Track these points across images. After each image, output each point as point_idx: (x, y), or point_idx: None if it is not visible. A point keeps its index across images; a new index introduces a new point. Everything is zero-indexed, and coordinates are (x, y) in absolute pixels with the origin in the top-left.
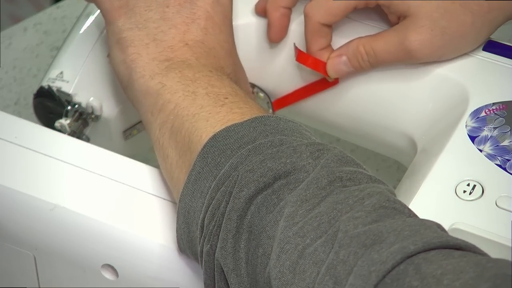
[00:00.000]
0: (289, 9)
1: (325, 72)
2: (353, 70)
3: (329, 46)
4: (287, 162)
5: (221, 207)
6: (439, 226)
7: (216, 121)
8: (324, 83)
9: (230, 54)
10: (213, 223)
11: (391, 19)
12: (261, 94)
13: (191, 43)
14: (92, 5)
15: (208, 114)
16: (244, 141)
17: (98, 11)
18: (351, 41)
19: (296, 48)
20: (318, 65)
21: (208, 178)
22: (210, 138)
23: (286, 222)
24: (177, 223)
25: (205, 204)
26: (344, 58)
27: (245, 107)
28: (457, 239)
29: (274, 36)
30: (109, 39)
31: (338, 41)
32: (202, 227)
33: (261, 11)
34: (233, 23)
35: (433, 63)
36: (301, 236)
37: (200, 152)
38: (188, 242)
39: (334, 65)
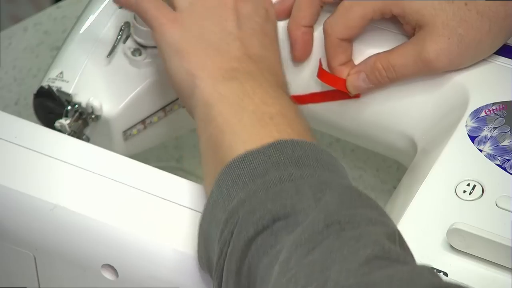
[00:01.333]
0: (311, 27)
1: (345, 89)
2: (372, 86)
3: (350, 61)
4: (287, 204)
5: (226, 245)
6: (431, 272)
7: (252, 142)
8: (345, 94)
9: (284, 71)
10: (221, 261)
11: (407, 29)
12: None
13: (254, 57)
14: (92, 5)
15: (247, 135)
16: (256, 173)
17: (99, 11)
18: (369, 57)
19: (320, 64)
20: (338, 83)
21: (221, 209)
22: (225, 166)
23: (280, 268)
24: (198, 243)
25: (217, 236)
26: (362, 75)
27: (285, 130)
28: (449, 284)
29: (299, 55)
30: (165, 51)
31: (360, 48)
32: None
33: (280, 13)
34: None
35: None
36: (293, 283)
37: (216, 180)
38: (207, 265)
39: (353, 82)
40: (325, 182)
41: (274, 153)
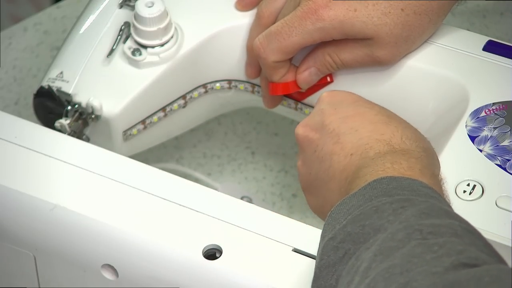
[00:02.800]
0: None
1: (298, 88)
2: (322, 75)
3: (289, 68)
4: (366, 225)
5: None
6: None
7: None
8: (319, 84)
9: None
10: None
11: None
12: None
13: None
14: (92, 5)
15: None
16: (351, 211)
17: (98, 11)
18: (314, 51)
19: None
20: (289, 87)
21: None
22: (329, 213)
23: (359, 277)
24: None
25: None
26: (313, 69)
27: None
28: None
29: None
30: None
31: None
32: None
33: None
34: (233, 23)
35: (433, 63)
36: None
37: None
38: None
39: (305, 79)
40: (408, 200)
41: (368, 191)
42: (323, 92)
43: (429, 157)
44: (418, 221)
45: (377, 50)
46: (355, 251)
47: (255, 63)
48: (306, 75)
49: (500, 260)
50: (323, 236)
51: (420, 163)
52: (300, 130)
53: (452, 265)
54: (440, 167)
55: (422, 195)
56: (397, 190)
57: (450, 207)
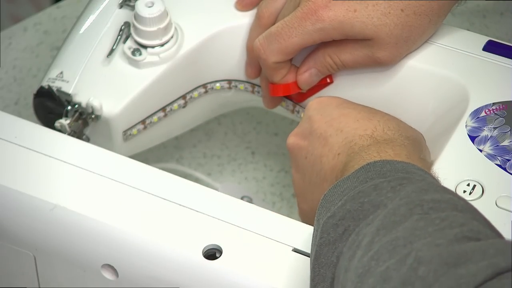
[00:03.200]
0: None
1: (298, 89)
2: (323, 76)
3: (290, 69)
4: (365, 202)
5: (313, 248)
6: None
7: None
8: (319, 85)
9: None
10: (312, 275)
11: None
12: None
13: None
14: (92, 5)
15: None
16: (346, 192)
17: (99, 11)
18: (315, 52)
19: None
20: (290, 88)
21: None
22: (323, 196)
23: (362, 251)
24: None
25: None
26: (314, 71)
27: (387, 152)
28: None
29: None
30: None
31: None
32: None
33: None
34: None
35: (433, 63)
36: (375, 260)
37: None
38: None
39: (306, 80)
40: (406, 178)
41: (363, 173)
42: (314, 98)
43: (415, 144)
44: (419, 196)
45: (377, 51)
46: (355, 227)
47: (255, 63)
48: (307, 76)
49: (499, 235)
50: (317, 219)
51: (405, 150)
52: (290, 139)
53: (455, 238)
54: (430, 154)
55: (418, 175)
56: (392, 172)
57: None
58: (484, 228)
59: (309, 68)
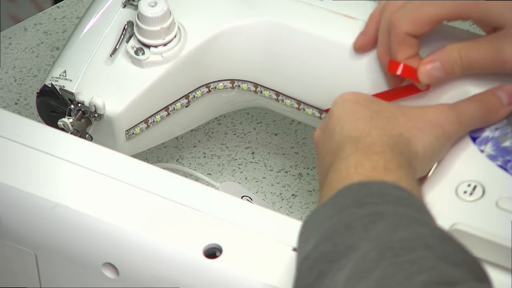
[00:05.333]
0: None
1: (417, 79)
2: (444, 76)
3: (417, 54)
4: (338, 243)
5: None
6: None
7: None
8: (413, 89)
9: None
10: None
11: (485, 30)
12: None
13: None
14: (96, 4)
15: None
16: (323, 223)
17: (102, 10)
18: (443, 47)
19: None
20: (410, 72)
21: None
22: (304, 221)
23: None
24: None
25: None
26: (437, 63)
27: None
28: None
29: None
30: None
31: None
32: None
33: (359, 48)
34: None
35: None
36: None
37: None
38: None
39: (427, 71)
40: (378, 213)
41: (339, 199)
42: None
43: (398, 144)
44: (389, 236)
45: (507, 46)
46: (329, 270)
47: (373, 32)
48: (429, 67)
49: (473, 266)
50: (298, 247)
51: (383, 158)
52: (315, 132)
53: (423, 284)
54: (416, 149)
55: (392, 202)
56: (367, 198)
57: (421, 207)
58: (454, 270)
59: (434, 60)
